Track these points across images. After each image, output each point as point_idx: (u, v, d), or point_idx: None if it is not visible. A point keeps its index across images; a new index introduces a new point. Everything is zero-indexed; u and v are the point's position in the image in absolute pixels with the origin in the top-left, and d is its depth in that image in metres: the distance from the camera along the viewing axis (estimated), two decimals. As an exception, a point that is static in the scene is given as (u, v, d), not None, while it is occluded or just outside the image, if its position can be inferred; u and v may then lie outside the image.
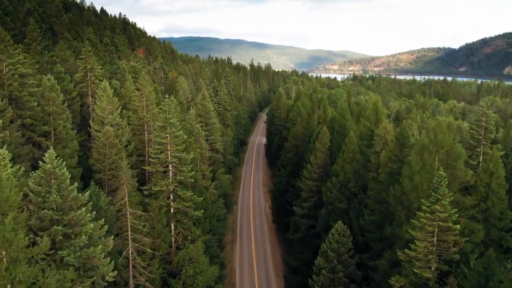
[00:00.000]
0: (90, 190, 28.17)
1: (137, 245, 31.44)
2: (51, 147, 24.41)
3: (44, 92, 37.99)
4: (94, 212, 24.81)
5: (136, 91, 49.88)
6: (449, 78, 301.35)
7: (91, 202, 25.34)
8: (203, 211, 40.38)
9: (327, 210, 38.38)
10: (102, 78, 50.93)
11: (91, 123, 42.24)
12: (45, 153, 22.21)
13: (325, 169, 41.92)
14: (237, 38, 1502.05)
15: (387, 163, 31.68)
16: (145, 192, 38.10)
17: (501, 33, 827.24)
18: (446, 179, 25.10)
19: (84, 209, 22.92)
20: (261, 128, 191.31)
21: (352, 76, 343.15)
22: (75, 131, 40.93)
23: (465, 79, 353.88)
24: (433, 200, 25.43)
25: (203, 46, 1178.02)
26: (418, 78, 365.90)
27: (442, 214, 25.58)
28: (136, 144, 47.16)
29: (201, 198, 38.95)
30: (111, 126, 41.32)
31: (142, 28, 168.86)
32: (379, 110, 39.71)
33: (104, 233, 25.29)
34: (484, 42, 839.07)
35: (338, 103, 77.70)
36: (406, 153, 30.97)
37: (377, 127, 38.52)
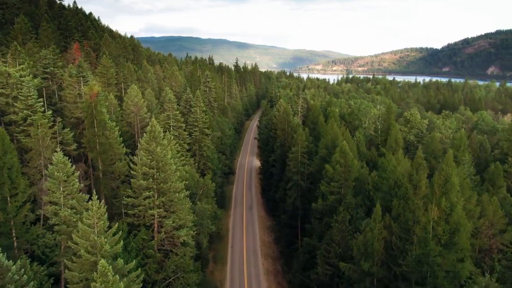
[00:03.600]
0: None
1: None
2: None
3: None
4: None
5: None
6: (451, 80, 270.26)
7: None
8: None
9: None
10: None
11: None
12: None
13: None
14: (219, 38, 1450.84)
15: None
16: None
17: (483, 34, 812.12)
18: None
19: None
20: (250, 143, 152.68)
21: (345, 77, 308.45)
22: None
23: (461, 80, 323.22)
24: None
25: (185, 46, 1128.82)
26: (407, 78, 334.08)
27: None
28: None
29: None
30: None
31: (95, 17, 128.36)
32: None
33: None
34: (467, 42, 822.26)
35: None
36: None
37: None
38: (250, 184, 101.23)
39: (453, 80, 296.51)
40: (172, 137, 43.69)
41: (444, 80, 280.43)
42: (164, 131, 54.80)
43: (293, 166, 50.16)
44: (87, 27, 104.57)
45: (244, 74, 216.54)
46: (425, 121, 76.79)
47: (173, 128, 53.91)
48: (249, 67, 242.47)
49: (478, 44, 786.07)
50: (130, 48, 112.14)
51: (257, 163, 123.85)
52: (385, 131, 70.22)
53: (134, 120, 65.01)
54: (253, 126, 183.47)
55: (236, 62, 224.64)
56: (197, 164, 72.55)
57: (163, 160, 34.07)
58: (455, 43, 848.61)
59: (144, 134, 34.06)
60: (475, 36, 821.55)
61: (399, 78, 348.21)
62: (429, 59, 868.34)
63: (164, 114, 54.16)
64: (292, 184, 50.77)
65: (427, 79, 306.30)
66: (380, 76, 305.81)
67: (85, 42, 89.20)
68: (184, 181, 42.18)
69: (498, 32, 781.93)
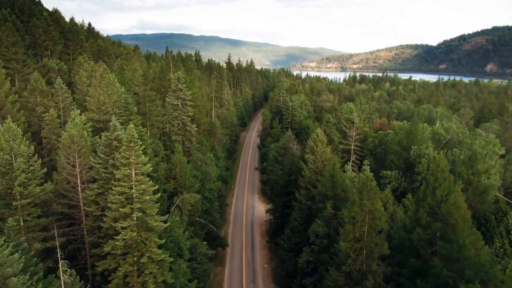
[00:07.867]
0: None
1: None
2: None
3: None
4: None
5: None
6: (479, 79, 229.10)
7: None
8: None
9: None
10: None
11: None
12: None
13: None
14: (212, 35, 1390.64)
15: None
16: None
17: (479, 30, 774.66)
18: None
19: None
20: (249, 169, 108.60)
21: (351, 76, 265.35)
22: None
23: (483, 79, 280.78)
24: None
25: (177, 43, 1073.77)
26: (405, 76, 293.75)
27: None
28: None
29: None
30: None
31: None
32: None
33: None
34: (463, 39, 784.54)
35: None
36: None
37: None
38: (253, 266, 57.60)
39: (461, 78, 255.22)
40: None
41: (465, 79, 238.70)
42: None
43: None
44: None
45: (238, 73, 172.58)
46: None
47: None
48: (244, 64, 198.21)
49: (475, 40, 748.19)
50: (56, 34, 66.94)
51: (260, 209, 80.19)
52: None
53: None
54: (251, 140, 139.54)
55: (229, 59, 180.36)
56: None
57: None
58: (451, 40, 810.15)
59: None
60: (471, 32, 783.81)
61: (400, 76, 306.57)
62: (425, 56, 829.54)
63: None
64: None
65: (427, 76, 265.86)
66: (392, 74, 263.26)
67: None
68: None
69: (495, 29, 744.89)
